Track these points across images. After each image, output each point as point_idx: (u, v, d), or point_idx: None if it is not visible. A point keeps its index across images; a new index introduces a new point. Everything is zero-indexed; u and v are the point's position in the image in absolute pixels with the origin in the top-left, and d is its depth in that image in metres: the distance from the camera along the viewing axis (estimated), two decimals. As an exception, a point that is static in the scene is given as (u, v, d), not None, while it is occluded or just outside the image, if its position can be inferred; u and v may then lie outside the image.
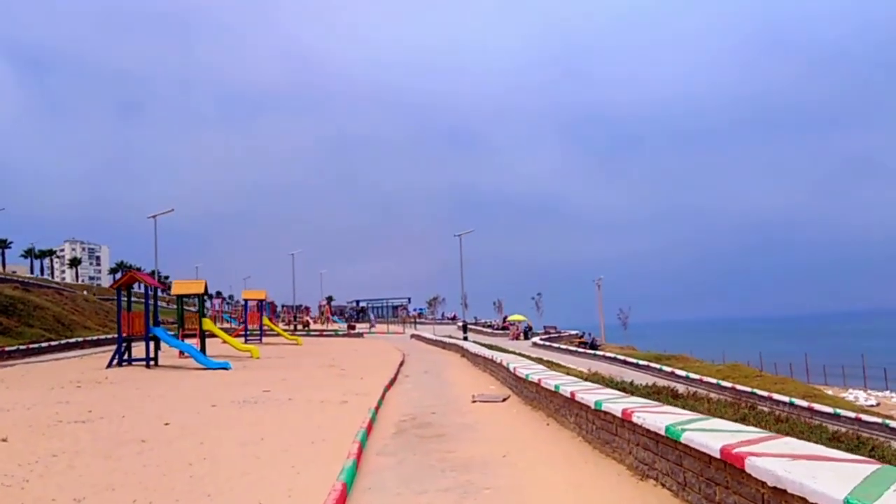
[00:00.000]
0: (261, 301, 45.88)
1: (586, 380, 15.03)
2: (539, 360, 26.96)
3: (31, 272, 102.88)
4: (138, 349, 24.50)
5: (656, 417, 5.94)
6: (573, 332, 62.40)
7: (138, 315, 23.61)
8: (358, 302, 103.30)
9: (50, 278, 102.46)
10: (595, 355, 43.01)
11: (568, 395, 8.79)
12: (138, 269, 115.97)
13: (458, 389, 15.59)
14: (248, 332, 43.63)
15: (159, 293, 30.36)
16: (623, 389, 14.20)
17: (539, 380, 10.81)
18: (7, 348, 28.88)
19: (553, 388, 9.72)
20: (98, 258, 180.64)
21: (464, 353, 28.34)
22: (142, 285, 25.81)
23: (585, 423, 8.11)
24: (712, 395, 21.58)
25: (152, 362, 23.44)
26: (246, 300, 45.78)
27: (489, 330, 65.42)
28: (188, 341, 30.28)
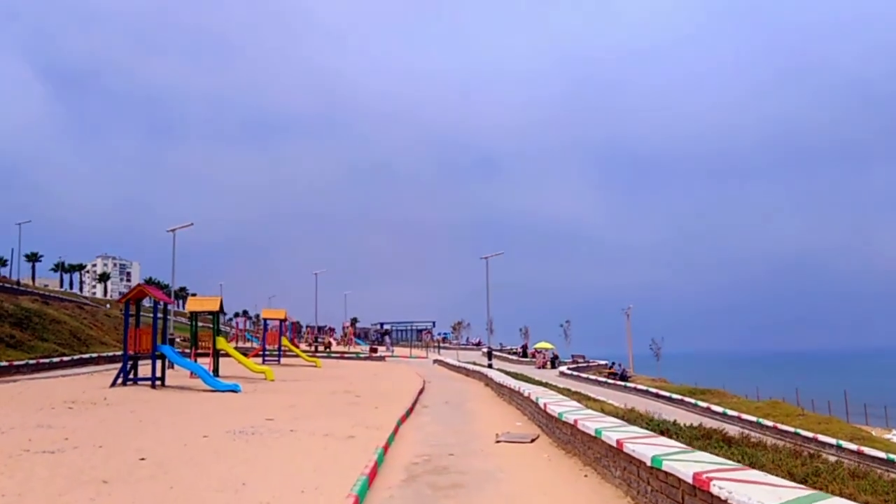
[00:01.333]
0: (281, 321, 44.70)
1: (623, 418, 13.39)
2: (567, 391, 25.26)
3: (61, 286, 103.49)
4: (147, 367, 23.31)
5: (749, 491, 4.38)
6: (602, 362, 60.26)
7: (146, 331, 22.44)
8: (382, 324, 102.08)
9: (79, 292, 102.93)
10: (626, 387, 41.00)
11: (613, 443, 7.22)
12: (165, 286, 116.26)
13: (480, 425, 14.03)
14: (267, 353, 42.40)
15: (171, 309, 29.23)
16: (666, 431, 12.55)
17: (575, 420, 9.23)
18: (16, 363, 27.91)
19: (593, 434, 8.15)
20: (129, 274, 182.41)
21: (488, 381, 26.71)
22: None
23: (637, 482, 6.53)
24: (764, 438, 19.70)
25: (158, 382, 22.21)
26: (265, 319, 44.63)
27: (514, 357, 63.51)
28: (201, 361, 29.15)
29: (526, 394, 14.43)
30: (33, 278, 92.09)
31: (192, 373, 24.25)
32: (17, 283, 59.82)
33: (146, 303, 25.91)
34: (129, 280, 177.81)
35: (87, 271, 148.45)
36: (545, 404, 11.62)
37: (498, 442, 11.25)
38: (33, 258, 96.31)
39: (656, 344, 62.11)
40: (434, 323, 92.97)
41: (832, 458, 17.46)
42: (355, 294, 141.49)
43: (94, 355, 34.57)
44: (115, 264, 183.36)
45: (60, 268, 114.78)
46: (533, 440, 11.24)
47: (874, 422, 42.73)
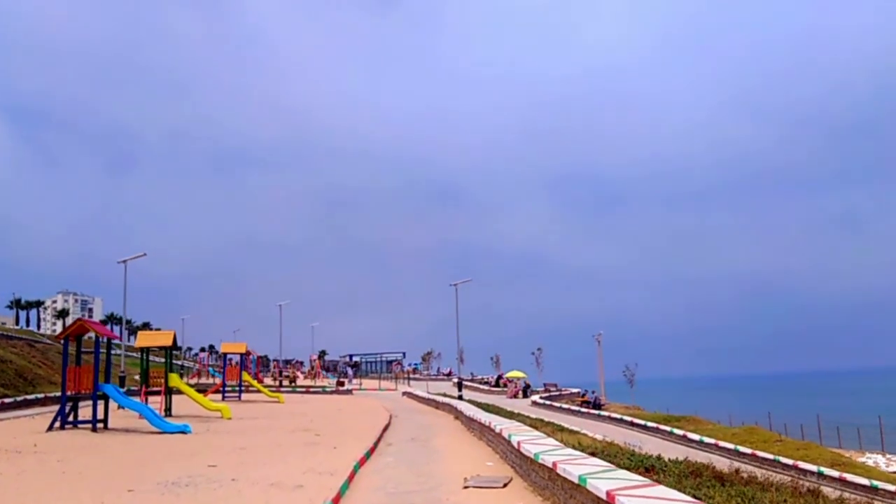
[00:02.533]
0: (242, 354, 42.82)
1: (603, 453, 12.22)
2: (540, 422, 24.03)
3: (17, 324, 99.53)
4: (90, 408, 21.54)
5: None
6: (574, 390, 59.16)
7: (88, 369, 20.71)
8: (351, 356, 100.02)
9: (36, 330, 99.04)
10: (600, 416, 39.90)
11: (602, 495, 6.03)
12: (128, 321, 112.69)
13: (447, 465, 12.74)
14: (227, 389, 40.45)
15: (123, 344, 27.43)
16: (652, 468, 11.41)
17: (554, 463, 8.04)
18: (-53, 406, 25.85)
19: (576, 481, 6.95)
20: (91, 310, 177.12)
21: (458, 414, 25.39)
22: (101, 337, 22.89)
23: (633, 546, 5.35)
24: (748, 467, 18.66)
25: (101, 425, 20.47)
26: (225, 354, 42.67)
27: (486, 387, 62.10)
28: (153, 399, 27.33)
29: (497, 430, 13.20)
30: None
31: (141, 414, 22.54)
32: (-36, 320, 56.86)
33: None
34: (91, 316, 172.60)
35: (46, 308, 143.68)
36: (518, 443, 10.41)
37: (466, 487, 9.99)
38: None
39: (630, 370, 61.21)
40: (404, 354, 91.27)
41: (828, 490, 16.46)
42: (324, 326, 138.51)
43: (41, 396, 32.37)
44: (76, 300, 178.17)
45: (17, 304, 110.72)
46: (505, 484, 10.00)
47: (847, 444, 41.99)
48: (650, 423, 35.40)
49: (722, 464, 19.58)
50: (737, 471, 14.14)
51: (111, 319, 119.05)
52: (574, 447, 11.67)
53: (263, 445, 16.35)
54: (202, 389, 43.45)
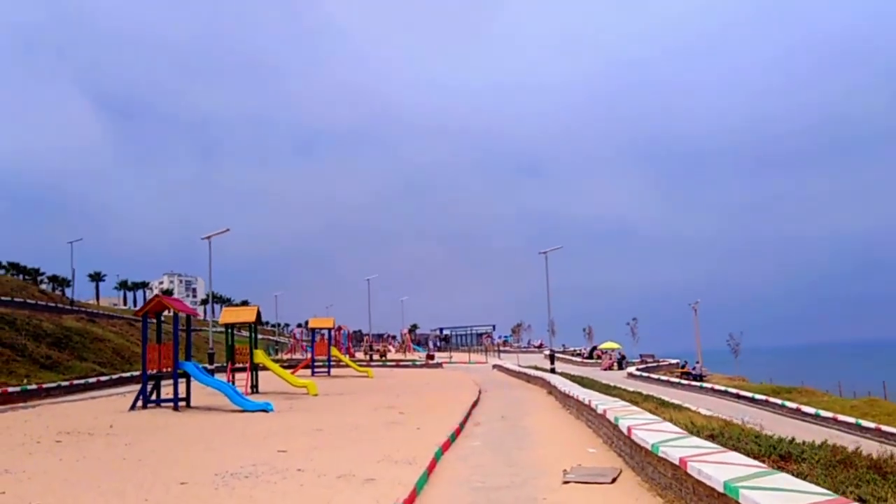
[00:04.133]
0: (329, 329, 42.47)
1: (722, 435, 10.29)
2: (638, 395, 22.02)
3: (124, 304, 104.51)
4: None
5: None
6: (672, 361, 56.23)
7: (169, 347, 20.24)
8: (441, 330, 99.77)
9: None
10: (701, 388, 37.24)
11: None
12: (227, 299, 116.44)
13: (542, 451, 11.09)
14: (316, 364, 40.23)
15: (202, 321, 27.09)
16: (788, 456, 9.35)
17: (682, 460, 6.24)
18: (45, 385, 26.29)
19: (721, 489, 5.15)
20: (195, 290, 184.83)
21: (551, 389, 23.67)
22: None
23: None
24: (874, 444, 16.14)
25: (182, 403, 20.00)
26: (313, 329, 42.38)
27: (578, 359, 59.98)
28: (239, 376, 27.00)
29: (600, 410, 11.40)
30: (97, 297, 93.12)
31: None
32: (72, 301, 59.57)
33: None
34: (194, 296, 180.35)
35: (152, 288, 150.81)
36: (629, 428, 8.62)
37: (566, 482, 8.31)
38: (96, 278, 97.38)
39: (734, 339, 57.25)
40: (494, 326, 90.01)
41: None
42: (414, 301, 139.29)
43: (136, 374, 32.93)
44: (180, 280, 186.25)
45: (123, 286, 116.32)
46: (614, 479, 8.26)
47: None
48: (758, 396, 32.55)
49: (844, 440, 17.21)
50: (891, 456, 11.81)
51: (213, 298, 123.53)
52: (686, 427, 9.83)
53: (342, 426, 15.19)
54: (293, 365, 43.58)
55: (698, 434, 8.68)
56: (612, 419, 10.03)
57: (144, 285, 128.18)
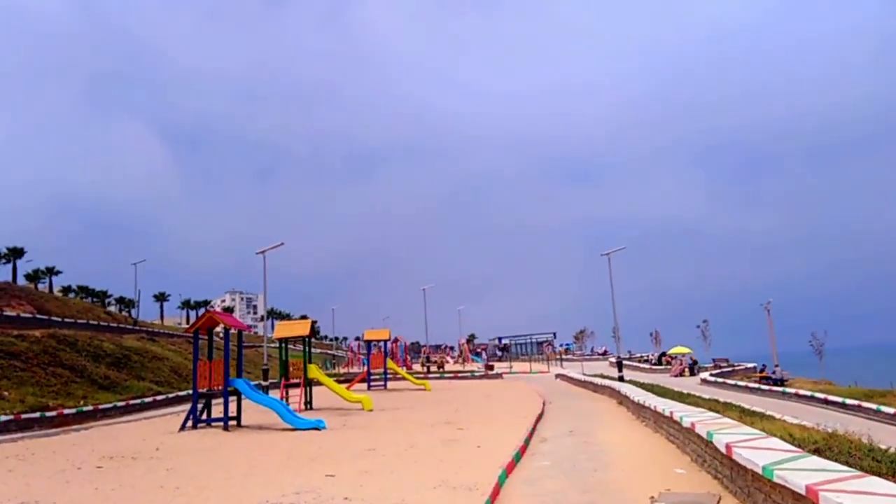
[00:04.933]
0: (385, 341, 41.55)
1: (826, 449, 8.72)
2: (715, 402, 20.24)
3: (188, 323, 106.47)
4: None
5: None
6: (749, 365, 53.23)
7: (221, 364, 19.53)
8: (500, 339, 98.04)
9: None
10: (784, 394, 34.70)
11: None
12: (286, 314, 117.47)
13: (621, 472, 9.68)
14: (372, 377, 39.35)
15: (257, 336, 26.43)
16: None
17: (811, 489, 4.82)
18: (101, 406, 26.07)
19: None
20: (255, 306, 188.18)
21: (621, 399, 22.04)
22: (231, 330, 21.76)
23: None
24: None
25: (233, 422, 19.23)
26: (369, 341, 41.49)
27: (646, 366, 57.53)
28: (292, 392, 26.23)
29: (686, 424, 9.91)
30: (161, 317, 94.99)
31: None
32: (135, 321, 60.59)
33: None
34: (255, 312, 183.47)
35: (213, 306, 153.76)
36: (729, 446, 7.17)
37: (657, 514, 6.93)
38: (161, 298, 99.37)
39: (817, 339, 53.66)
40: (555, 334, 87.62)
41: None
42: (471, 310, 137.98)
43: (191, 392, 32.64)
44: (241, 298, 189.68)
45: (186, 305, 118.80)
46: (716, 510, 6.82)
47: None
48: (849, 401, 29.92)
49: None
50: None
51: (271, 314, 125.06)
52: (784, 440, 8.33)
53: (396, 445, 14.04)
54: (350, 379, 42.82)
55: (819, 452, 7.15)
56: (703, 434, 8.57)
57: (206, 303, 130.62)
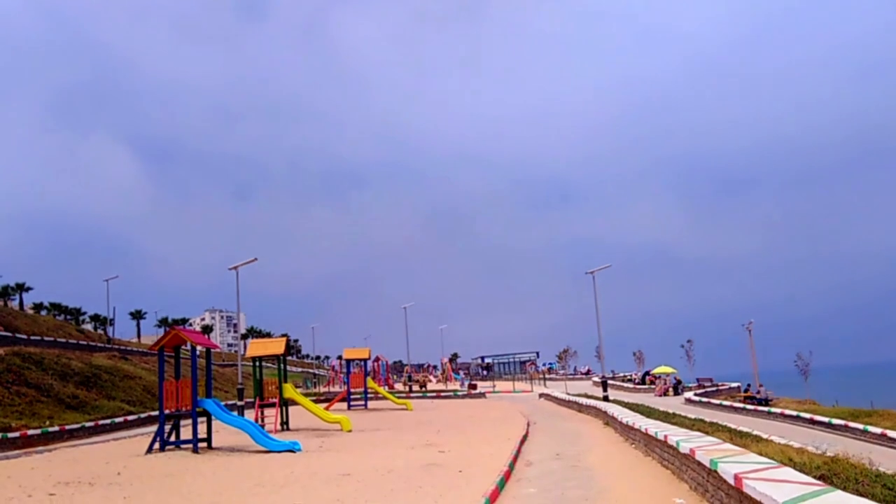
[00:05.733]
0: (365, 360, 40.63)
1: (831, 476, 8.11)
2: (701, 422, 19.66)
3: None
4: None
5: None
6: (733, 385, 52.81)
7: (188, 384, 18.57)
8: (483, 358, 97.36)
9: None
10: (770, 413, 34.17)
11: None
12: (266, 333, 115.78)
13: (614, 501, 8.95)
14: (352, 397, 38.36)
15: (229, 354, 25.44)
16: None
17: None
18: (68, 427, 24.90)
19: None
20: (235, 325, 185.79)
21: (608, 420, 21.35)
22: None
23: None
24: None
25: (203, 444, 18.27)
26: (348, 360, 40.54)
27: (629, 385, 56.87)
28: (268, 412, 25.27)
29: (684, 450, 9.21)
30: (138, 335, 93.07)
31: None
32: (109, 339, 59.08)
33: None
34: (235, 331, 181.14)
35: (192, 324, 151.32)
36: (738, 478, 6.48)
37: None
38: (137, 315, 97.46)
39: (803, 359, 53.36)
40: (538, 353, 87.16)
41: None
42: (454, 329, 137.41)
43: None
44: (221, 316, 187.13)
45: (164, 323, 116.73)
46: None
47: None
48: (835, 420, 29.45)
49: None
50: None
51: (251, 332, 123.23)
52: (787, 465, 7.68)
53: (373, 470, 13.21)
54: (330, 398, 41.79)
55: (825, 479, 6.48)
56: (705, 462, 7.88)
57: (185, 321, 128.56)
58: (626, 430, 16.35)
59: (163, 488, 12.05)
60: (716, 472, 7.33)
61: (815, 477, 7.89)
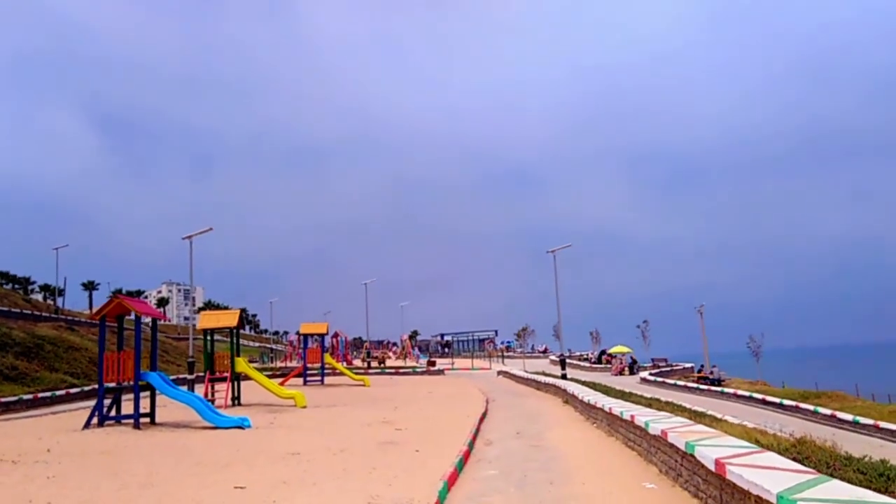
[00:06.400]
0: (323, 335, 39.72)
1: (803, 458, 7.70)
2: (656, 401, 19.49)
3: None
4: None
5: None
6: (687, 365, 53.47)
7: (131, 356, 17.51)
8: (443, 336, 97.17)
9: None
10: (723, 394, 34.58)
11: None
12: (224, 307, 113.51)
13: (581, 485, 8.40)
14: (309, 372, 37.48)
15: (178, 326, 24.30)
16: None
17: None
18: (5, 399, 23.56)
19: None
20: (194, 299, 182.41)
21: (567, 398, 20.99)
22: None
23: None
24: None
25: (146, 420, 17.30)
26: (305, 335, 39.57)
27: (586, 364, 57.18)
28: (219, 386, 24.31)
29: (655, 431, 8.68)
30: (90, 306, 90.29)
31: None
32: (57, 310, 56.98)
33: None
34: (193, 304, 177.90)
35: (147, 297, 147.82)
36: (720, 463, 5.92)
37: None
38: (90, 286, 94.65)
39: (755, 341, 54.28)
40: (496, 332, 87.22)
41: None
42: (415, 307, 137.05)
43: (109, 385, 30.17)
44: (178, 289, 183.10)
45: (118, 294, 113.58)
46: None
47: None
48: (787, 402, 29.87)
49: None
50: None
51: (208, 306, 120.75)
52: (756, 444, 7.24)
53: (325, 448, 12.48)
54: (286, 373, 40.85)
55: (764, 447, 5.98)
56: (679, 445, 7.34)
57: (139, 293, 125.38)
58: (588, 409, 15.92)
59: (93, 467, 11.13)
60: (692, 455, 6.79)
61: (791, 457, 7.46)
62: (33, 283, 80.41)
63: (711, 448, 6.58)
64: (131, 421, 17.08)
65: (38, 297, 76.96)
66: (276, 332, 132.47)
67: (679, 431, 7.91)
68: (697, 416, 15.85)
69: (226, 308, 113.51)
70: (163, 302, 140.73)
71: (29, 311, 44.34)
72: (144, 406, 17.69)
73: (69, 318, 48.69)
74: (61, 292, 79.10)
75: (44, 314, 46.56)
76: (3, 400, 23.49)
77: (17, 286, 76.66)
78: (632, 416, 10.35)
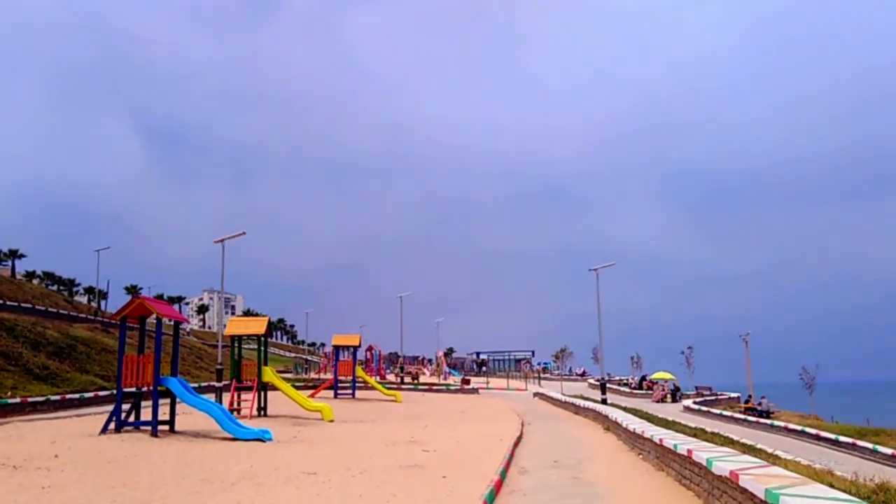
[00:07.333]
0: (355, 348, 38.88)
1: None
2: (701, 431, 18.04)
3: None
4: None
5: None
6: (732, 395, 51.15)
7: (151, 359, 16.84)
8: (478, 354, 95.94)
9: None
10: (772, 426, 32.57)
11: None
12: (255, 313, 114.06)
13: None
14: (341, 385, 36.64)
15: (184, 328, 23.68)
16: None
17: None
18: (32, 399, 23.18)
19: None
20: (233, 306, 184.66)
21: (609, 424, 19.63)
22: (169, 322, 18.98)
23: None
24: None
25: (165, 427, 16.58)
26: (336, 347, 38.76)
27: (626, 389, 55.21)
28: (245, 396, 23.59)
29: (722, 472, 7.42)
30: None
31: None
32: (96, 311, 57.44)
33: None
34: (233, 312, 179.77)
35: (189, 303, 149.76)
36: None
37: None
38: (132, 290, 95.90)
39: (808, 373, 51.60)
40: (533, 352, 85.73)
41: None
42: (450, 324, 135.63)
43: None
44: (219, 297, 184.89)
45: (160, 299, 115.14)
46: None
47: None
48: (842, 438, 27.78)
49: None
50: None
51: (248, 314, 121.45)
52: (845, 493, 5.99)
53: (344, 468, 11.48)
54: (318, 385, 40.13)
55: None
56: (758, 493, 6.11)
57: (181, 300, 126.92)
58: (633, 438, 14.62)
59: (94, 478, 10.31)
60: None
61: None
62: (78, 285, 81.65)
63: (800, 500, 5.37)
64: (149, 428, 16.36)
65: (83, 299, 78.05)
66: (313, 344, 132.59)
67: (753, 474, 6.68)
68: (750, 451, 14.44)
69: (257, 314, 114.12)
70: (203, 309, 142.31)
71: (66, 312, 44.56)
72: (164, 413, 16.99)
73: (105, 320, 48.82)
74: (104, 295, 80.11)
75: (81, 315, 46.79)
76: (31, 400, 23.09)
77: (62, 287, 77.92)
78: (689, 451, 9.10)
